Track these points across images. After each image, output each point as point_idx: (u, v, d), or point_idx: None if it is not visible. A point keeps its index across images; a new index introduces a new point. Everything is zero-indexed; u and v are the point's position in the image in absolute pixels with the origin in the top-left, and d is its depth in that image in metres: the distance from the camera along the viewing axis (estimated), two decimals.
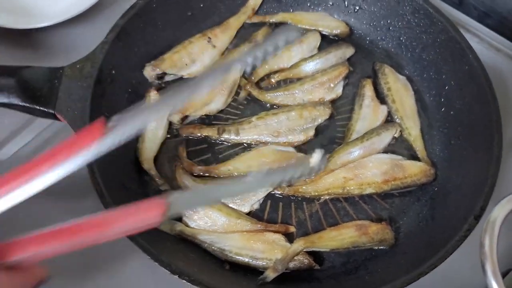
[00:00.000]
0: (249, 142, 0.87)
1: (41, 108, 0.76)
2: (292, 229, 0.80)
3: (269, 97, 0.91)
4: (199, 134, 0.87)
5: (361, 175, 0.82)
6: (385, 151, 0.87)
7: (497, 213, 0.60)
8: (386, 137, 0.86)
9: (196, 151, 0.87)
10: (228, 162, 0.84)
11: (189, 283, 0.65)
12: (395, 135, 0.87)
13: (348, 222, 0.80)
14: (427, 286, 0.74)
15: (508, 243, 0.81)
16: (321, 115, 0.87)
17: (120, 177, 0.78)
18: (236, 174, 0.83)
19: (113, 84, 0.83)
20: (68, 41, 1.00)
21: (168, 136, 0.87)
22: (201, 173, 0.83)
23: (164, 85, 0.92)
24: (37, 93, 0.77)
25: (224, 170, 0.83)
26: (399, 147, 0.89)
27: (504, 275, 0.78)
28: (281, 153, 0.84)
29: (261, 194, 0.80)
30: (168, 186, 0.82)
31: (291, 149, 0.85)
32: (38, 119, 0.87)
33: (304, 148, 0.87)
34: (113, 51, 0.84)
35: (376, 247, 0.78)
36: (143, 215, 0.49)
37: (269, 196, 0.83)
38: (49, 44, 1.00)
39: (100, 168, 0.73)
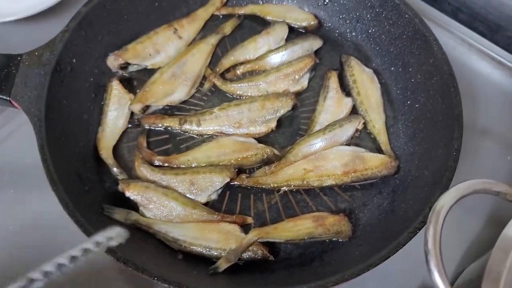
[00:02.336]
0: (210, 133, 0.86)
1: None
2: (250, 220, 0.79)
3: (233, 88, 0.90)
4: (160, 125, 0.86)
5: (321, 167, 0.81)
6: (349, 143, 0.86)
7: (443, 202, 0.58)
8: (348, 129, 0.85)
9: (157, 141, 0.86)
10: (187, 152, 0.83)
11: (136, 271, 0.64)
12: (358, 127, 0.85)
13: (306, 214, 0.79)
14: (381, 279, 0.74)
15: (463, 243, 0.82)
16: (284, 106, 0.86)
17: (76, 166, 0.78)
18: (195, 164, 0.82)
19: (73, 72, 0.83)
20: (32, 36, 1.00)
21: (129, 126, 0.86)
22: (161, 163, 0.83)
23: (127, 75, 0.91)
24: None
25: (183, 160, 0.82)
26: (364, 140, 0.88)
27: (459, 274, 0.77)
28: (241, 144, 0.83)
29: (218, 184, 0.79)
30: (125, 175, 0.81)
31: (252, 140, 0.84)
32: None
33: (265, 139, 0.86)
34: (74, 39, 0.84)
35: (333, 239, 0.77)
36: None
37: (228, 187, 0.82)
38: (11, 38, 1.01)
39: (53, 156, 0.72)
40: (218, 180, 0.79)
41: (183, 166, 0.83)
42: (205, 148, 0.83)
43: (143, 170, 0.81)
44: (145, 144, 0.84)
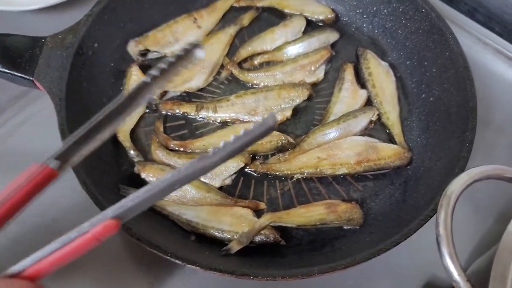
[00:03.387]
0: (226, 119, 0.87)
1: (20, 75, 0.78)
2: (262, 205, 0.80)
3: (249, 77, 0.91)
4: (177, 111, 0.88)
5: (335, 155, 0.82)
6: (363, 134, 0.87)
7: (454, 186, 0.59)
8: (362, 120, 0.86)
9: (173, 126, 0.88)
10: (203, 138, 0.85)
11: (149, 248, 0.65)
12: (372, 118, 0.86)
13: (318, 201, 0.79)
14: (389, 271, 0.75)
15: (475, 238, 0.83)
16: (299, 96, 0.87)
17: None
18: (210, 149, 0.83)
19: (94, 56, 0.85)
20: (58, 22, 1.01)
21: (147, 111, 0.88)
22: (176, 148, 0.84)
23: (147, 62, 0.93)
24: (18, 60, 0.79)
25: (199, 145, 0.84)
26: (378, 131, 0.88)
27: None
28: None
29: (232, 169, 0.80)
30: (142, 158, 0.82)
31: None
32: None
33: (280, 128, 0.87)
34: (97, 24, 0.86)
35: (344, 226, 0.78)
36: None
37: (242, 173, 0.83)
38: (39, 25, 1.03)
39: (72, 130, 0.73)
40: (233, 165, 0.81)
41: (198, 151, 0.84)
42: (220, 134, 0.85)
43: (159, 154, 0.82)
44: (162, 129, 0.86)
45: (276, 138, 0.84)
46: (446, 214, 0.58)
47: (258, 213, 0.78)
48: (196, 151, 0.84)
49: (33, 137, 0.89)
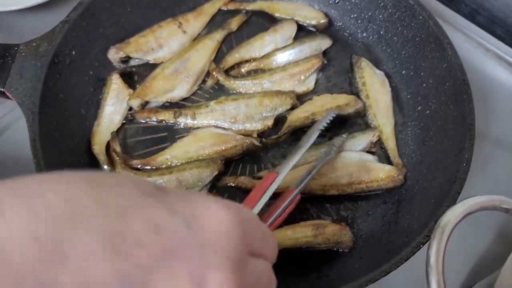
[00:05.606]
0: (205, 127, 0.83)
1: None
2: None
3: (235, 84, 0.87)
4: (154, 118, 0.83)
5: (325, 175, 0.78)
6: None
7: (448, 218, 0.55)
8: (361, 141, 0.82)
9: (155, 139, 0.83)
10: (164, 151, 0.80)
11: None
12: (372, 140, 0.82)
13: (306, 221, 0.75)
14: None
15: (470, 259, 0.79)
16: (282, 104, 0.83)
17: (69, 162, 0.75)
18: (175, 162, 0.79)
19: (72, 65, 0.80)
20: (34, 26, 0.96)
21: (124, 121, 0.84)
22: (139, 166, 0.79)
23: (128, 69, 0.88)
24: None
25: (162, 160, 0.79)
26: None
27: None
28: (219, 136, 0.80)
29: (207, 179, 0.76)
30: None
31: (230, 132, 0.81)
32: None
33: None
34: (74, 31, 0.81)
35: (333, 249, 0.74)
36: None
37: (226, 189, 0.79)
38: (12, 29, 0.98)
39: (46, 152, 0.70)
40: (206, 175, 0.76)
41: (164, 166, 0.79)
42: (181, 144, 0.80)
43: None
44: (119, 149, 0.80)
45: (240, 142, 0.80)
46: (438, 249, 0.54)
47: None
48: (162, 166, 0.79)
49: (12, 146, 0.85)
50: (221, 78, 0.88)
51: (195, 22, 0.93)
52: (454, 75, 0.79)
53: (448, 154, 0.75)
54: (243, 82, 0.87)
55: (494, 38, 1.02)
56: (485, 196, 0.57)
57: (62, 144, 0.75)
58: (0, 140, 0.86)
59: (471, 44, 1.01)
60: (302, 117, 0.84)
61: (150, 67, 0.88)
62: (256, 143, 0.80)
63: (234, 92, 0.88)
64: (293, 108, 0.85)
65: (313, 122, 0.82)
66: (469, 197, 0.57)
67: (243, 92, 0.87)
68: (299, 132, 0.83)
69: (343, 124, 0.85)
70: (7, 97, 0.75)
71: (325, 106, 0.84)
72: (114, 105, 0.82)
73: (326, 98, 0.86)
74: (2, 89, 0.74)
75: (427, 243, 0.62)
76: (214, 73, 0.88)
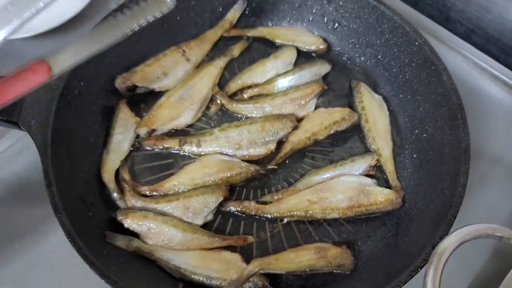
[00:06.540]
0: (211, 154, 0.86)
1: (4, 119, 0.76)
2: (251, 239, 0.80)
3: (238, 108, 0.90)
4: (161, 146, 0.86)
5: (326, 199, 0.81)
6: None
7: (445, 244, 0.58)
8: (361, 165, 0.85)
9: (162, 165, 0.86)
10: (171, 178, 0.83)
11: None
12: (371, 163, 0.85)
13: (308, 244, 0.78)
14: None
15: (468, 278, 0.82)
16: (284, 128, 0.86)
17: (80, 190, 0.78)
18: (182, 188, 0.82)
19: (81, 96, 0.83)
20: (42, 55, 1.00)
21: (132, 149, 0.87)
22: (147, 193, 0.82)
23: (135, 97, 0.91)
24: None
25: (169, 186, 0.82)
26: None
27: None
28: (224, 163, 0.83)
29: (212, 204, 0.79)
30: (124, 203, 0.81)
31: (235, 159, 0.84)
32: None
33: (266, 162, 0.86)
34: (82, 63, 0.84)
35: (335, 271, 0.77)
36: (30, 79, 0.51)
37: (231, 214, 0.82)
38: (23, 55, 1.01)
39: (58, 182, 0.73)
40: (212, 201, 0.80)
41: (171, 192, 0.82)
42: (188, 170, 0.83)
43: (135, 202, 0.80)
44: (128, 177, 0.83)
45: (245, 169, 0.83)
46: (435, 276, 0.57)
47: (247, 256, 0.77)
48: (170, 192, 0.82)
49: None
50: (225, 102, 0.91)
51: (198, 49, 0.96)
52: (449, 100, 0.82)
53: (445, 178, 0.78)
54: (245, 105, 0.90)
55: (490, 58, 1.05)
56: (479, 225, 0.60)
57: (74, 173, 0.78)
58: (14, 163, 0.89)
59: (468, 64, 1.04)
60: (304, 138, 0.87)
61: (156, 95, 0.91)
62: (261, 171, 0.83)
63: (237, 115, 0.91)
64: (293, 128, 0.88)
65: (315, 142, 0.86)
66: (465, 225, 0.60)
67: (246, 114, 0.90)
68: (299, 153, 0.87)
69: (343, 147, 0.88)
70: (20, 129, 0.78)
71: (323, 123, 0.88)
72: (123, 134, 0.85)
73: (322, 113, 0.90)
74: (16, 121, 0.76)
75: (425, 266, 0.66)
76: (218, 96, 0.91)
